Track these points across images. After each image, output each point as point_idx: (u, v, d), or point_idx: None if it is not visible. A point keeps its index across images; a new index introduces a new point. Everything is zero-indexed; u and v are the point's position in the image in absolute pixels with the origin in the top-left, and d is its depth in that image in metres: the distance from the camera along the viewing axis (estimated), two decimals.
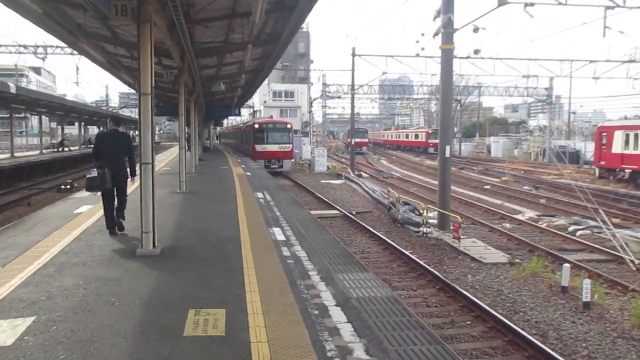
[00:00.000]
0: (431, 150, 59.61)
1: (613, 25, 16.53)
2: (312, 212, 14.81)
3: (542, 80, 51.27)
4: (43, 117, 50.23)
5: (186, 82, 15.67)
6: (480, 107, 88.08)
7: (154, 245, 6.85)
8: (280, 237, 8.14)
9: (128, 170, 8.28)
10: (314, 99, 63.18)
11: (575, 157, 46.28)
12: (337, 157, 56.71)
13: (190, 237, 8.04)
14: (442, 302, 9.27)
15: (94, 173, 7.72)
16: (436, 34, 15.98)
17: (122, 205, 8.38)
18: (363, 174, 34.74)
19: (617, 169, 29.74)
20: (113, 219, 8.19)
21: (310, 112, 64.20)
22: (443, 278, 10.19)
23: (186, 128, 27.45)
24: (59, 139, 48.68)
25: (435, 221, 15.46)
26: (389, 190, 18.96)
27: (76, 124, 53.68)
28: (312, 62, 75.00)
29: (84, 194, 13.98)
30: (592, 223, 16.54)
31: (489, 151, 63.98)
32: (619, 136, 29.54)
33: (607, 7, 14.97)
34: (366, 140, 71.85)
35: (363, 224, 16.18)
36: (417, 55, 25.54)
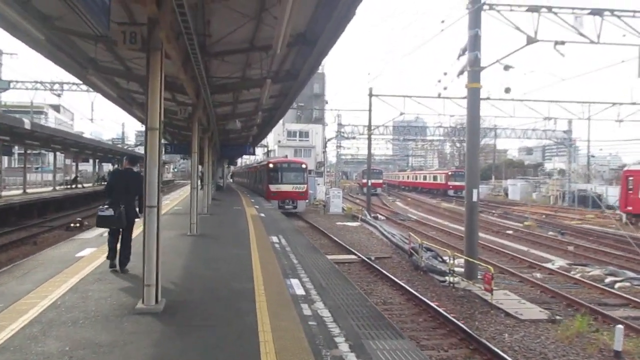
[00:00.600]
0: (451, 192, 58.78)
1: None
2: (329, 257, 13.92)
3: (560, 123, 50.59)
4: (58, 153, 50.45)
5: (200, 120, 15.10)
6: (494, 149, 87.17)
7: (156, 301, 5.99)
8: (300, 290, 7.24)
9: (137, 209, 8.23)
10: (329, 139, 62.90)
11: (596, 202, 44.98)
12: (352, 198, 55.84)
13: (198, 289, 7.17)
14: None
15: (108, 211, 7.76)
16: (461, 73, 15.34)
17: (127, 244, 8.29)
18: (379, 216, 33.76)
19: None
20: (115, 250, 8.22)
21: (324, 152, 63.84)
22: (477, 337, 9.16)
23: (199, 167, 26.99)
24: (73, 175, 48.53)
25: (461, 269, 14.43)
26: (409, 235, 18.00)
27: (90, 161, 53.70)
28: (327, 102, 75.26)
29: (89, 235, 13.30)
30: (631, 274, 15.41)
31: (506, 194, 62.74)
32: None
33: None
34: (381, 181, 71.02)
35: (383, 270, 15.20)
36: (439, 95, 24.92)
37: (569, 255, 19.90)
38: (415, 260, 16.05)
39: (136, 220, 8.22)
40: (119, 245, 8.25)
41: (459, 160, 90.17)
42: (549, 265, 17.15)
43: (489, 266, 12.11)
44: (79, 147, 40.24)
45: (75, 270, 8.21)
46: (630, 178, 30.04)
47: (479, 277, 13.95)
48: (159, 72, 5.95)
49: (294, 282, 7.81)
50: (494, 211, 41.99)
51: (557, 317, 10.39)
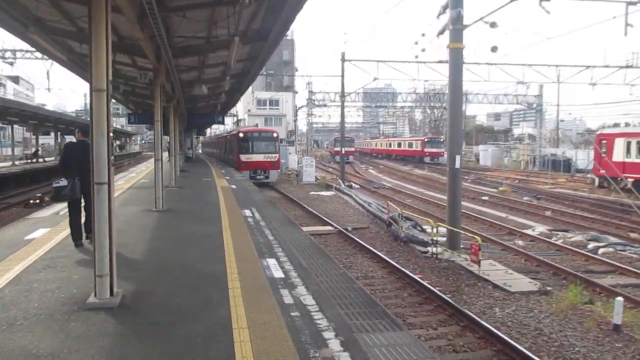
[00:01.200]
0: (427, 159, 58.30)
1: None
2: (304, 229, 13.19)
3: (533, 87, 50.56)
4: (18, 127, 48.01)
5: (163, 86, 13.94)
6: (464, 115, 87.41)
7: (111, 293, 5.11)
8: (278, 272, 6.45)
9: None
10: (300, 107, 61.77)
11: (566, 166, 45.39)
12: (324, 167, 55.07)
13: (163, 275, 6.30)
14: (471, 345, 7.64)
15: (63, 182, 7.53)
16: (441, 32, 14.51)
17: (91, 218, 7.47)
18: (353, 184, 33.14)
19: (619, 178, 28.55)
20: (80, 230, 7.93)
21: (295, 120, 62.75)
22: (467, 312, 8.58)
23: (166, 137, 25.67)
24: (33, 149, 46.41)
25: (443, 239, 13.88)
26: (388, 204, 17.36)
27: (52, 133, 51.43)
28: (296, 70, 73.77)
29: (44, 213, 12.21)
30: (613, 239, 15.14)
31: (478, 160, 62.99)
32: (620, 144, 28.38)
33: (629, 3, 13.64)
34: (353, 149, 70.39)
35: (362, 242, 14.55)
36: (416, 57, 24.00)
37: (548, 221, 19.65)
38: (395, 230, 15.45)
39: None
40: (82, 221, 7.92)
41: (430, 127, 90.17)
42: (529, 232, 16.78)
43: (475, 236, 11.53)
44: (39, 119, 38.23)
45: (22, 256, 7.23)
46: (604, 141, 29.99)
47: (461, 246, 13.46)
48: (104, 23, 4.95)
49: (271, 262, 7.01)
50: (467, 177, 41.75)
51: (548, 288, 9.91)
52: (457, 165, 13.07)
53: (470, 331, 8.12)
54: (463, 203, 25.13)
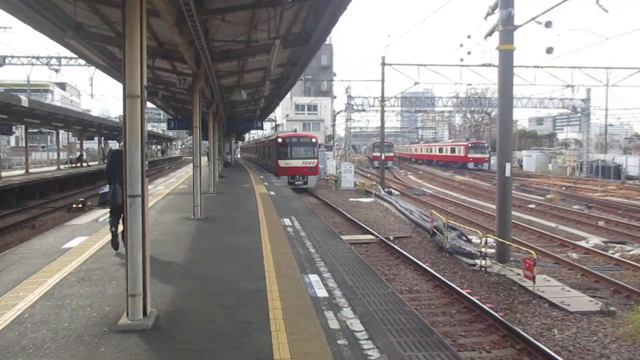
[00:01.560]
0: (471, 165, 56.72)
1: None
2: (345, 238, 12.72)
3: (580, 91, 48.65)
4: (63, 132, 49.25)
5: (203, 91, 13.76)
6: (491, 120, 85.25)
7: (144, 313, 4.76)
8: (321, 291, 6.00)
9: None
10: (338, 112, 61.38)
11: (616, 172, 43.46)
12: (362, 172, 54.45)
13: (199, 292, 5.93)
14: None
15: (106, 188, 7.90)
16: (490, 34, 13.82)
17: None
18: (393, 190, 32.45)
19: None
20: (116, 237, 7.97)
21: (333, 125, 62.39)
22: (524, 334, 7.92)
23: (205, 142, 25.64)
24: (77, 154, 47.53)
25: (491, 250, 13.16)
26: (432, 212, 16.69)
27: (96, 138, 52.62)
28: (335, 75, 73.49)
29: (83, 220, 12.13)
30: None
31: (521, 165, 61.07)
32: None
33: None
34: (392, 154, 69.48)
35: (405, 252, 13.97)
36: (462, 60, 23.26)
37: (602, 232, 18.56)
38: (439, 240, 14.78)
39: None
40: (120, 228, 7.71)
41: (470, 131, 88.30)
42: (582, 244, 15.82)
43: (531, 251, 10.81)
44: (82, 125, 39.05)
45: (57, 267, 7.01)
46: None
47: (511, 259, 12.72)
48: (138, 25, 4.61)
49: (314, 278, 6.57)
50: None
51: (612, 309, 9.12)
52: (508, 173, 12.35)
53: (528, 355, 7.48)
54: None
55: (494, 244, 12.95)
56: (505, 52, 12.26)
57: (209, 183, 18.20)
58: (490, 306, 9.61)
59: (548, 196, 28.53)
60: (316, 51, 13.31)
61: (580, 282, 11.58)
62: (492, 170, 54.69)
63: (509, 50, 12.26)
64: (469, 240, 15.16)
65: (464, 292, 10.30)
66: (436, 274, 11.71)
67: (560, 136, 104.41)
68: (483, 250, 12.39)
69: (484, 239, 12.69)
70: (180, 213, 12.67)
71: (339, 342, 4.43)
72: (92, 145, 60.64)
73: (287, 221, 11.92)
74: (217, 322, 4.89)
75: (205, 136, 19.49)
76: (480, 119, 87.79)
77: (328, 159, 47.35)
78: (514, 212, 23.78)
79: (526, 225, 19.14)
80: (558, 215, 22.41)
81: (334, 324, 4.86)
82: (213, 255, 8.05)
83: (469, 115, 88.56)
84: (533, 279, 9.90)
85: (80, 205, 23.53)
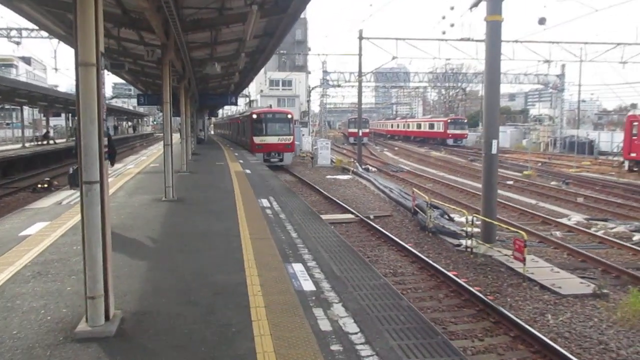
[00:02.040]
0: (450, 142, 55.89)
1: None
2: (324, 217, 12.21)
3: (556, 66, 48.66)
4: (30, 108, 47.27)
5: (173, 64, 12.88)
6: (466, 96, 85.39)
7: (106, 318, 4.11)
8: (307, 283, 5.43)
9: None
10: (313, 88, 60.46)
11: (588, 148, 43.86)
12: (338, 149, 53.84)
13: (170, 289, 5.28)
14: None
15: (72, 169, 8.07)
16: (475, 4, 13.23)
17: None
18: (370, 167, 31.98)
19: None
20: None
21: (308, 101, 61.51)
22: (516, 320, 7.53)
23: (177, 119, 24.63)
24: (44, 131, 45.74)
25: (474, 229, 12.76)
26: (413, 190, 16.22)
27: (63, 115, 50.74)
28: (309, 49, 72.25)
29: (46, 202, 11.29)
30: None
31: None
32: None
33: None
34: (367, 130, 68.92)
35: (387, 232, 13.51)
36: (444, 33, 22.67)
37: (582, 208, 18.44)
38: (422, 219, 14.36)
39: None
40: None
41: (445, 107, 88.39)
42: (564, 221, 15.61)
43: (522, 232, 10.41)
44: (48, 101, 37.42)
45: (10, 259, 6.28)
46: (635, 123, 28.48)
47: (496, 238, 12.38)
48: None
49: (298, 268, 5.99)
50: None
51: (604, 291, 8.80)
52: (494, 150, 11.91)
53: (523, 343, 7.08)
54: None
55: (479, 223, 12.56)
56: (493, 24, 11.69)
57: (182, 161, 17.37)
58: (478, 289, 9.21)
59: (525, 172, 28.46)
60: (294, 21, 12.58)
61: (567, 262, 11.28)
62: (469, 147, 54.77)
63: (497, 21, 11.70)
64: (451, 219, 14.79)
65: (450, 274, 9.89)
66: (420, 255, 11.27)
67: (533, 112, 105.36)
68: (469, 230, 11.99)
69: (469, 217, 12.30)
70: (151, 194, 11.91)
71: (333, 347, 3.87)
72: (59, 122, 58.50)
73: (265, 202, 11.29)
74: (191, 326, 4.27)
75: (177, 112, 18.59)
76: (455, 95, 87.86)
77: (303, 135, 46.60)
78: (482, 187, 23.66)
79: (506, 203, 18.87)
80: (537, 192, 22.27)
81: (325, 325, 4.30)
82: (186, 242, 7.39)
83: (443, 91, 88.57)
84: (523, 260, 9.52)
85: (46, 185, 22.46)
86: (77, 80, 3.84)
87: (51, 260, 6.21)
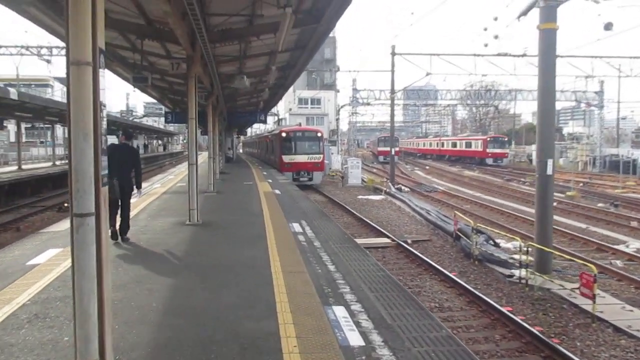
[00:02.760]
0: (490, 161, 52.90)
1: None
2: (358, 241, 11.20)
3: (592, 82, 46.88)
4: (62, 126, 47.67)
5: (200, 79, 12.17)
6: (499, 114, 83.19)
7: None
8: (354, 335, 4.42)
9: (134, 182, 8.85)
10: (342, 106, 59.85)
11: (631, 167, 41.83)
12: (368, 168, 52.86)
13: (187, 342, 4.32)
14: None
15: None
16: (524, 13, 12.18)
17: (126, 214, 8.66)
18: (402, 187, 30.85)
19: None
20: (115, 233, 8.37)
21: (337, 119, 60.85)
22: None
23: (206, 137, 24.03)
24: None
25: (522, 255, 11.55)
26: (455, 213, 15.07)
27: None
28: (338, 68, 71.87)
29: (61, 226, 10.57)
30: None
31: (530, 160, 59.26)
32: None
33: None
34: (397, 149, 67.69)
35: (427, 259, 12.44)
36: (486, 45, 21.60)
37: (638, 233, 16.96)
38: (465, 245, 13.21)
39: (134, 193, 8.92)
40: (118, 224, 8.51)
41: (476, 126, 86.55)
42: (622, 248, 14.25)
43: (591, 265, 9.21)
44: None
45: (9, 295, 5.46)
46: None
47: (552, 270, 11.14)
48: None
49: (340, 313, 5.00)
50: (522, 179, 38.91)
51: None
52: (550, 171, 10.74)
53: None
54: (529, 209, 22.65)
55: (527, 249, 11.26)
56: (547, 32, 10.63)
57: (209, 181, 16.63)
58: (540, 330, 8.06)
59: (568, 193, 26.88)
60: (328, 33, 11.82)
61: (637, 297, 10.00)
62: (503, 165, 52.89)
63: (552, 29, 10.63)
64: (497, 245, 13.61)
65: (505, 310, 8.75)
66: (468, 286, 10.16)
67: (567, 130, 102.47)
68: (516, 256, 10.80)
69: (520, 244, 11.11)
70: (175, 216, 11.11)
71: None
72: None
73: (296, 226, 10.35)
74: None
75: (204, 130, 17.92)
76: (486, 112, 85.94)
77: (332, 153, 45.78)
78: (532, 210, 22.22)
79: (555, 227, 17.49)
80: (584, 215, 20.79)
81: None
82: (209, 275, 6.46)
83: (474, 109, 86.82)
84: (593, 298, 8.30)
85: None
86: (67, 83, 2.98)
87: (54, 298, 5.37)
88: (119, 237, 8.39)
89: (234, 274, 6.49)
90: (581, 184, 33.84)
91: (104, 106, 3.14)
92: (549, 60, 10.79)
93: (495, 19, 14.78)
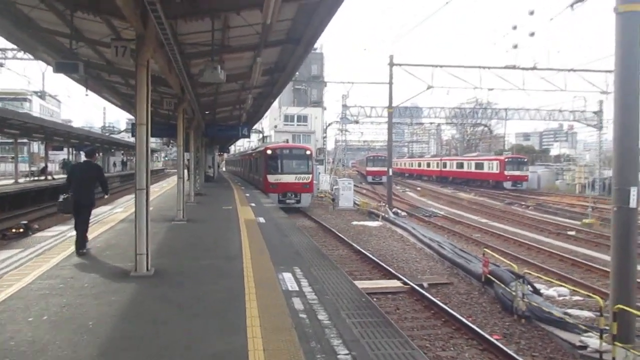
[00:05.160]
0: (508, 185, 46.74)
1: None
2: (360, 285, 8.25)
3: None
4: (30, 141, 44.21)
5: (166, 78, 9.21)
6: (491, 134, 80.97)
7: None
8: None
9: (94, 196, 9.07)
10: (330, 124, 57.26)
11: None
12: (357, 188, 49.93)
13: None
14: None
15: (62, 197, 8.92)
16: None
17: (83, 228, 8.75)
18: (399, 211, 27.98)
19: None
20: (78, 242, 8.68)
21: (324, 137, 58.17)
22: None
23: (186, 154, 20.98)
24: (42, 165, 42.44)
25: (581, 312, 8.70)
26: (485, 252, 12.09)
27: (66, 149, 47.70)
28: (325, 85, 69.48)
29: (6, 253, 7.43)
30: None
31: None
32: None
33: None
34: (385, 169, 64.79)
35: (456, 314, 9.50)
36: (515, 47, 19.01)
37: None
38: (504, 295, 10.27)
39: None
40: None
41: (464, 146, 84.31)
42: None
43: None
44: (47, 134, 34.32)
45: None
46: None
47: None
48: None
49: None
50: (524, 203, 36.33)
51: None
52: (633, 203, 7.88)
53: None
54: (545, 239, 19.86)
55: (601, 310, 8.40)
56: (630, 16, 7.89)
57: (177, 206, 13.48)
58: None
59: (585, 221, 24.17)
60: (308, 52, 10.05)
61: None
62: (523, 190, 47.91)
63: (635, 12, 7.89)
64: (537, 291, 10.70)
65: None
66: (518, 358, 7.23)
67: (553, 152, 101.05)
68: (572, 311, 7.90)
69: (565, 290, 8.22)
70: (119, 261, 7.99)
71: None
72: (62, 156, 55.33)
73: (288, 279, 7.31)
74: None
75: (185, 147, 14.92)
76: (474, 132, 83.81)
77: (320, 173, 42.87)
78: (553, 241, 19.47)
79: (590, 264, 14.74)
80: None
81: None
82: None
83: (465, 128, 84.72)
84: None
85: (21, 230, 18.76)
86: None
87: None
88: (78, 250, 8.60)
89: None
90: (589, 209, 31.34)
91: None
92: (631, 51, 7.98)
93: (531, 13, 12.26)
